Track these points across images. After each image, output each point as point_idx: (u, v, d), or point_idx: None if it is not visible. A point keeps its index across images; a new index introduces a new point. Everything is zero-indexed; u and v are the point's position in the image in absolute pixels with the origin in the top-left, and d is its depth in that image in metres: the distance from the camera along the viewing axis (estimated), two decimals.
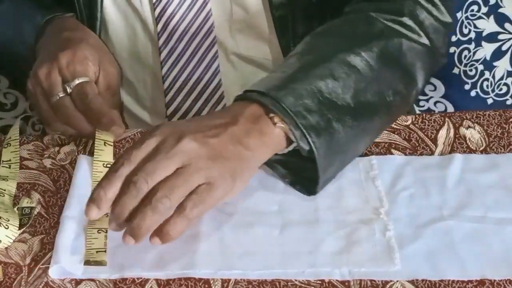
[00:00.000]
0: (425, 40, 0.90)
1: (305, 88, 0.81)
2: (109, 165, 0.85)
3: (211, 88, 1.07)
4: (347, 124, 0.82)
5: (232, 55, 1.09)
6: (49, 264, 0.76)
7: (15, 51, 1.09)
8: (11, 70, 1.17)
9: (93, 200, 0.75)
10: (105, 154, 0.87)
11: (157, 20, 1.04)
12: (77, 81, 0.93)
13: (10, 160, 0.88)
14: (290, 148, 0.82)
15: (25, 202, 0.83)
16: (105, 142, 0.88)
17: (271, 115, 0.80)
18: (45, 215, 0.83)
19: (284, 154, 0.83)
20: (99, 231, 0.78)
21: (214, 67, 1.06)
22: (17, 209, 0.81)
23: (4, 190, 0.84)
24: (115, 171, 0.75)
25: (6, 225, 0.79)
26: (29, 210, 0.82)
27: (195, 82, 1.06)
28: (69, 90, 0.93)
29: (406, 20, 0.89)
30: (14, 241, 0.79)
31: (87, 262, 0.75)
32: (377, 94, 0.85)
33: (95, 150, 0.87)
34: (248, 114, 0.80)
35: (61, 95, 0.93)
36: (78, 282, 0.75)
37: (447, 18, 0.93)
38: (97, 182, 0.77)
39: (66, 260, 0.76)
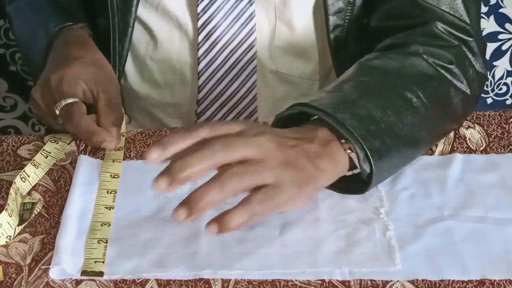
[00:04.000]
0: (466, 88, 0.92)
1: (367, 114, 0.82)
2: (116, 176, 0.86)
3: (245, 102, 1.07)
4: (402, 153, 0.84)
5: (270, 72, 1.09)
6: (49, 264, 0.76)
7: (29, 55, 1.09)
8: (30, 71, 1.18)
9: (163, 142, 0.74)
10: (114, 168, 0.88)
11: (199, 30, 1.04)
12: (63, 102, 0.93)
13: (50, 152, 0.90)
14: (350, 173, 0.83)
15: (27, 198, 0.83)
16: (113, 160, 0.90)
17: (342, 141, 0.81)
18: (46, 215, 0.83)
19: None
20: (99, 241, 0.78)
21: (251, 82, 1.07)
22: (19, 204, 0.82)
23: (29, 176, 0.86)
24: (193, 131, 0.75)
25: (10, 214, 0.79)
26: (30, 206, 0.82)
27: (230, 95, 1.07)
28: (57, 112, 0.93)
29: (454, 68, 0.91)
30: (14, 241, 0.79)
31: (84, 273, 0.75)
32: (428, 131, 0.87)
33: (103, 165, 0.89)
34: (321, 137, 0.80)
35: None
36: (79, 282, 0.75)
37: (484, 70, 0.96)
38: (102, 189, 0.82)
39: (67, 261, 0.76)
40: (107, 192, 0.84)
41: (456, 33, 0.94)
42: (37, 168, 0.87)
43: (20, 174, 0.85)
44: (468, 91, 0.92)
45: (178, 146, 0.74)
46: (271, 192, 0.74)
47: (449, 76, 0.90)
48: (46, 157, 0.89)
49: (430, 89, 0.88)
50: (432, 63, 0.90)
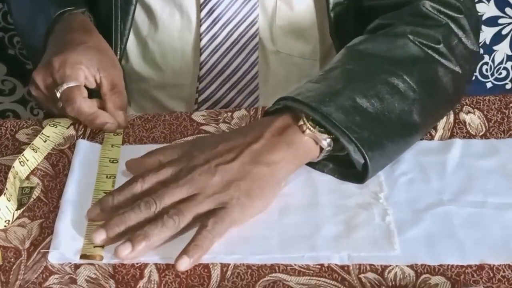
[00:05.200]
0: (455, 67, 0.91)
1: (353, 106, 0.82)
2: (115, 161, 0.86)
3: (247, 78, 1.07)
4: (395, 140, 0.84)
5: (271, 53, 1.09)
6: (48, 248, 0.76)
7: (28, 40, 1.09)
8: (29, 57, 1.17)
9: (99, 203, 0.78)
10: (112, 153, 0.88)
11: (201, 6, 1.04)
12: (65, 86, 0.93)
13: (49, 136, 0.90)
14: (321, 157, 0.83)
15: (25, 182, 0.83)
16: (112, 145, 0.89)
17: (300, 123, 0.81)
18: (44, 200, 0.83)
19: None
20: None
21: (253, 58, 1.07)
22: (18, 188, 0.82)
23: (28, 160, 0.85)
24: (129, 185, 0.78)
25: (8, 198, 0.79)
26: (28, 190, 0.82)
27: (233, 71, 1.07)
28: (58, 95, 0.93)
29: (441, 48, 0.90)
30: (13, 225, 0.79)
31: (83, 256, 0.75)
32: (420, 115, 0.86)
33: (102, 150, 0.88)
34: (276, 127, 0.81)
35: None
36: (78, 266, 0.75)
37: (475, 46, 0.95)
38: (101, 175, 0.82)
39: (66, 246, 0.76)
40: (106, 177, 0.84)
41: (444, 10, 0.93)
42: (36, 152, 0.87)
43: (19, 158, 0.84)
44: (457, 69, 0.91)
45: (115, 205, 0.78)
46: (221, 212, 0.76)
47: (436, 56, 0.90)
48: (45, 141, 0.89)
49: (417, 72, 0.87)
50: (419, 44, 0.89)
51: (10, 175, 0.81)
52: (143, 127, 0.93)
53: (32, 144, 0.88)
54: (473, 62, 0.96)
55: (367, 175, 0.82)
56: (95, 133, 0.92)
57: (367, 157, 0.80)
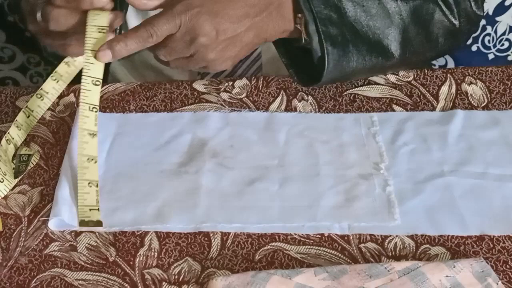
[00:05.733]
0: (455, 20, 0.91)
1: (336, 4, 0.84)
2: (98, 82, 0.78)
3: None
4: (361, 53, 0.85)
5: None
6: (48, 216, 0.76)
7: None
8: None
9: (111, 40, 0.78)
10: (92, 94, 0.79)
11: None
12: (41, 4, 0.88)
13: (32, 111, 0.86)
14: (290, 34, 0.86)
15: (23, 150, 0.83)
16: (90, 107, 0.79)
17: (299, 15, 0.84)
18: (45, 167, 0.83)
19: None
20: (90, 184, 0.77)
21: None
22: (15, 156, 0.81)
23: (13, 138, 0.84)
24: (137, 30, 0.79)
25: (2, 178, 0.78)
26: (26, 157, 0.82)
27: None
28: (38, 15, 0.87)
29: None
30: (13, 193, 0.79)
31: (82, 223, 0.75)
32: (397, 44, 0.87)
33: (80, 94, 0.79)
34: (277, 4, 0.84)
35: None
36: (78, 233, 0.75)
37: (480, 11, 0.95)
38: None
39: (66, 213, 0.76)
40: (89, 109, 0.77)
41: None
42: (20, 130, 0.85)
43: (5, 137, 0.83)
44: (456, 23, 0.91)
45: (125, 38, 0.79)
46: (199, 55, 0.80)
47: (439, 1, 0.90)
48: (28, 117, 0.86)
49: (413, 3, 0.88)
50: None
51: (3, 141, 0.80)
52: (144, 95, 0.92)
53: (27, 107, 0.85)
54: (474, 23, 0.96)
55: (323, 73, 0.84)
56: None
57: (325, 51, 0.82)
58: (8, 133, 0.83)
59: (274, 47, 1.10)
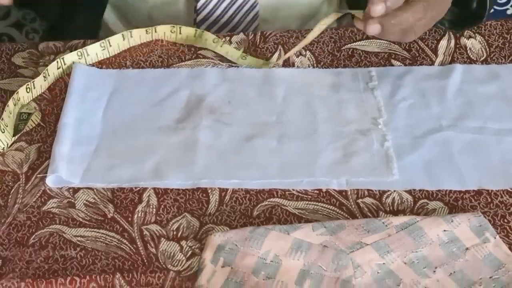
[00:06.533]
0: None
1: None
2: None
3: None
4: None
5: None
6: (46, 172, 0.76)
7: None
8: None
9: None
10: None
11: None
12: None
13: (19, 100, 0.84)
14: None
15: (24, 108, 0.83)
16: None
17: None
18: (42, 124, 0.82)
19: None
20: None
21: None
22: (16, 113, 0.81)
23: (19, 100, 0.84)
24: None
25: (3, 129, 0.78)
26: (26, 116, 0.82)
27: None
28: None
29: None
30: (10, 150, 0.79)
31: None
32: None
33: None
34: None
35: None
36: (76, 190, 0.75)
37: None
38: None
39: (63, 169, 0.76)
40: None
41: None
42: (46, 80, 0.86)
43: (27, 85, 0.83)
44: None
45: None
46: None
47: None
48: (30, 92, 0.86)
49: None
50: None
51: (10, 102, 0.80)
52: (140, 51, 0.92)
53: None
54: None
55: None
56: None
57: None
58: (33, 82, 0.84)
59: None
